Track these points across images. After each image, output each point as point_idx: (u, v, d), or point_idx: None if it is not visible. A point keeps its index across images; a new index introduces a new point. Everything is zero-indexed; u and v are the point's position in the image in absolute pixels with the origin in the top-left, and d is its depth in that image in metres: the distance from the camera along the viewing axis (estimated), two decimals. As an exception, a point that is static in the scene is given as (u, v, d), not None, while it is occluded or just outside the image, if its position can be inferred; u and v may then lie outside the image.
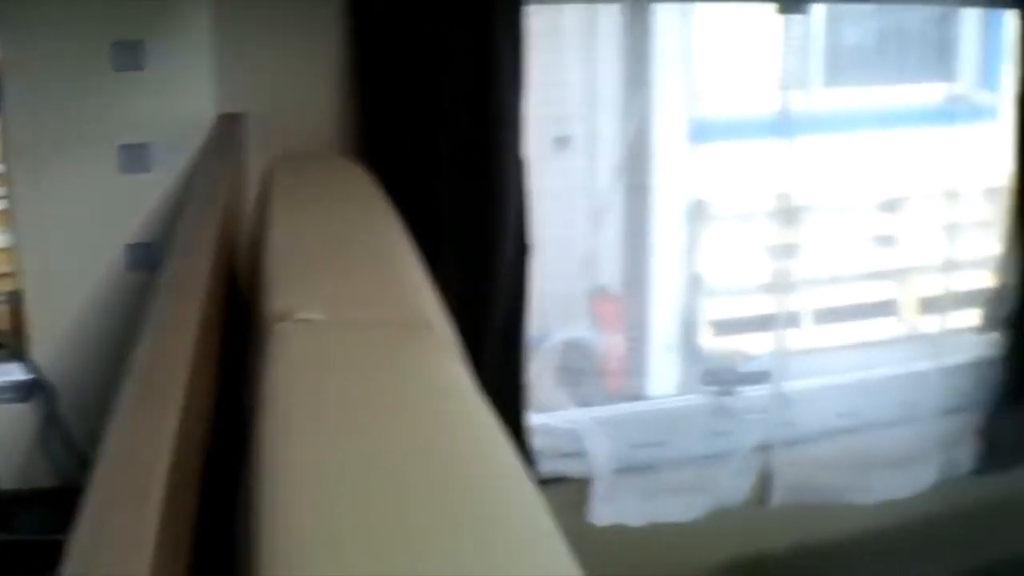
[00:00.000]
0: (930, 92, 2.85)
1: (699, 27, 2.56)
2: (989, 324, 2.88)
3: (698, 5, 2.55)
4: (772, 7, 2.56)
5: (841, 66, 2.99)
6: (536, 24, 2.29)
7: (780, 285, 2.66)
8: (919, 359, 2.81)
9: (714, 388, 2.65)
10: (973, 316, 2.92)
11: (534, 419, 2.45)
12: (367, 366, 1.01)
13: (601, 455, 2.51)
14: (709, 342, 2.80)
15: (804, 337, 2.80)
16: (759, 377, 2.66)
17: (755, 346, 2.76)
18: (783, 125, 2.57)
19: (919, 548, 2.77)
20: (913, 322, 2.97)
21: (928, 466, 2.76)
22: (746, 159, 2.72)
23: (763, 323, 2.72)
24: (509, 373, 2.34)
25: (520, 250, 2.29)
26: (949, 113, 2.76)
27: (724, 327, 2.86)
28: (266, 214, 1.48)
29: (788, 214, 2.66)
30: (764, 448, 2.62)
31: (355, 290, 1.20)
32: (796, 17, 2.56)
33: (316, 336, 1.05)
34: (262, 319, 1.10)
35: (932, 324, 2.86)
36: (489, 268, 2.24)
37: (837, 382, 2.77)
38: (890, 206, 3.02)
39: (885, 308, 3.03)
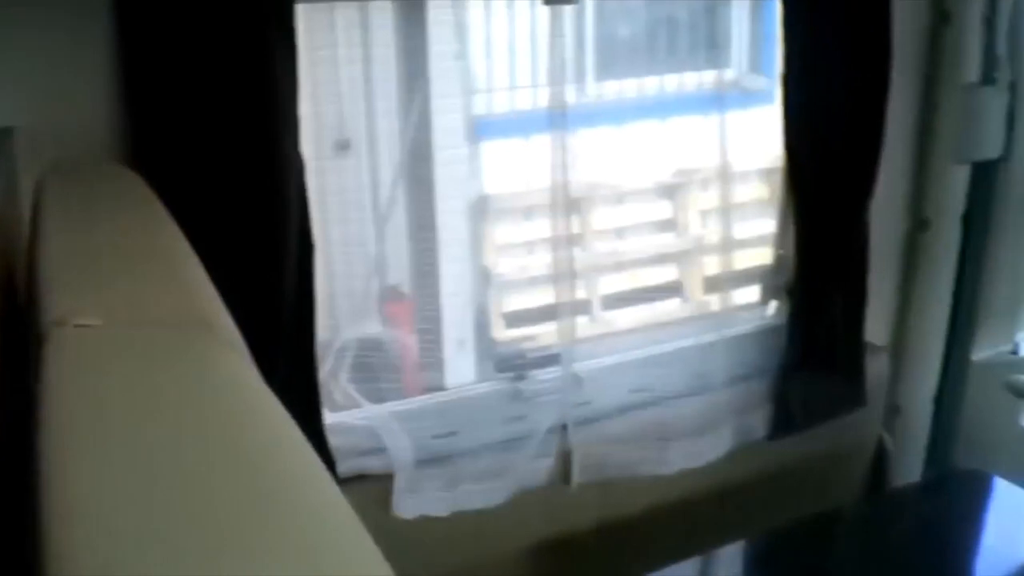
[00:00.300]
0: (705, 80, 2.93)
1: (475, 22, 2.58)
2: (769, 295, 2.98)
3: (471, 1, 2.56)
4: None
5: (615, 58, 3.04)
6: (311, 23, 2.28)
7: (567, 273, 2.67)
8: (707, 332, 2.87)
9: (507, 374, 2.68)
10: (755, 289, 3.02)
11: (331, 418, 2.44)
12: (148, 367, 0.99)
13: (401, 449, 2.50)
14: (502, 333, 2.83)
15: (595, 321, 2.85)
16: (550, 360, 2.69)
17: (547, 333, 2.79)
18: (559, 118, 2.58)
19: (720, 514, 2.84)
20: (700, 299, 3.05)
21: (723, 434, 2.83)
22: (527, 153, 2.75)
23: (553, 311, 2.76)
24: (301, 373, 2.32)
25: (305, 249, 2.27)
26: (724, 99, 2.83)
27: (516, 318, 2.89)
28: (39, 225, 1.45)
29: (571, 205, 2.69)
30: (561, 429, 2.64)
31: (132, 294, 1.18)
32: (565, 9, 2.55)
33: (94, 341, 1.03)
34: (39, 328, 1.09)
35: (718, 300, 2.94)
36: (274, 269, 2.21)
37: (628, 359, 2.81)
38: (670, 192, 3.09)
39: (673, 289, 3.10)
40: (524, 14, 2.69)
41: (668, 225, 3.16)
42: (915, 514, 2.95)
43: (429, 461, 2.55)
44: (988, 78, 2.99)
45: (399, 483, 2.51)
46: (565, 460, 2.65)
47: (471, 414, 2.63)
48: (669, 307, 3.07)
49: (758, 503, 2.88)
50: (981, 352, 3.29)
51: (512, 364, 2.68)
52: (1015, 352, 3.42)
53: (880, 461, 3.20)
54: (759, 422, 2.90)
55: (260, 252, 2.19)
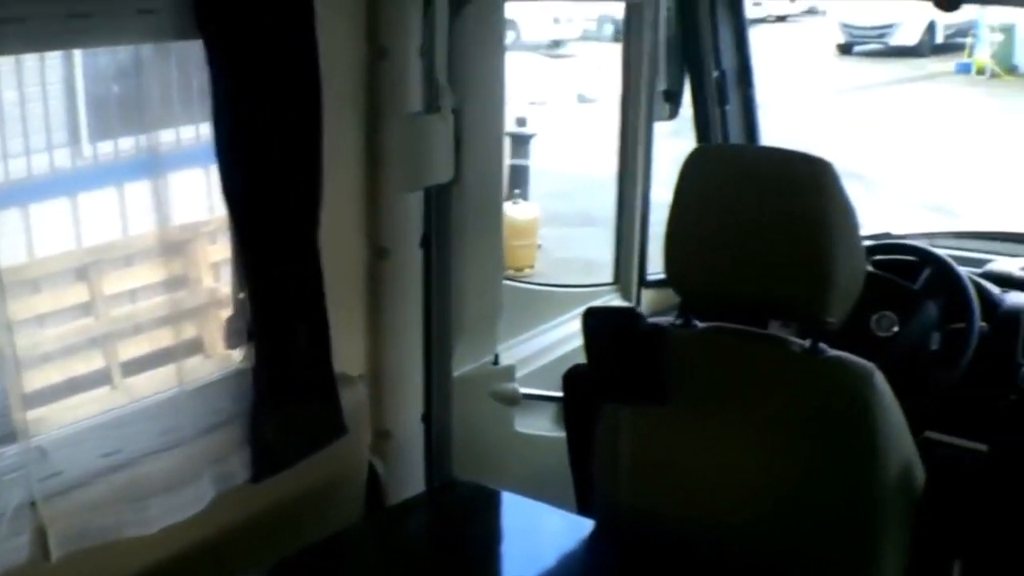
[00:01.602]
0: (203, 133, 2.95)
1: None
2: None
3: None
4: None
5: (110, 118, 3.04)
6: None
7: (12, 357, 2.60)
8: (178, 384, 2.89)
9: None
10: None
11: None
12: None
13: None
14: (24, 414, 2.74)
15: (116, 389, 2.82)
16: (8, 437, 2.64)
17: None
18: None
19: (219, 561, 2.87)
20: (222, 353, 3.08)
21: (203, 484, 2.85)
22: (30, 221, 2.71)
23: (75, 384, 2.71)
24: None
25: None
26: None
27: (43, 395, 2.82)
28: None
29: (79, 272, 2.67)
30: (31, 504, 2.60)
31: None
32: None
33: None
34: None
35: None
36: None
37: (94, 424, 2.79)
38: (179, 248, 3.11)
39: (195, 346, 3.12)
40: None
41: (181, 282, 3.18)
42: (414, 528, 3.08)
43: None
44: (431, 106, 3.14)
45: None
46: (41, 535, 2.60)
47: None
48: (192, 365, 3.07)
49: (257, 544, 2.93)
50: (462, 367, 3.44)
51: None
52: (496, 363, 3.60)
53: (374, 486, 3.28)
54: (239, 466, 2.93)
55: None
